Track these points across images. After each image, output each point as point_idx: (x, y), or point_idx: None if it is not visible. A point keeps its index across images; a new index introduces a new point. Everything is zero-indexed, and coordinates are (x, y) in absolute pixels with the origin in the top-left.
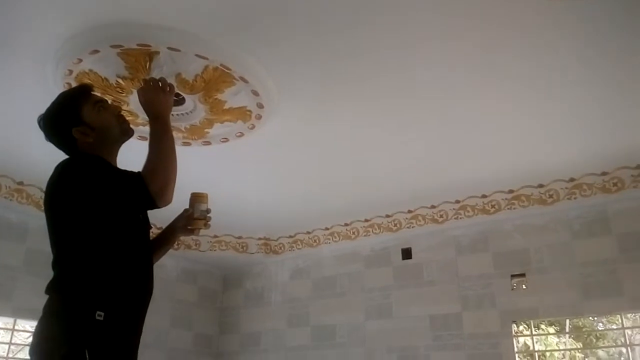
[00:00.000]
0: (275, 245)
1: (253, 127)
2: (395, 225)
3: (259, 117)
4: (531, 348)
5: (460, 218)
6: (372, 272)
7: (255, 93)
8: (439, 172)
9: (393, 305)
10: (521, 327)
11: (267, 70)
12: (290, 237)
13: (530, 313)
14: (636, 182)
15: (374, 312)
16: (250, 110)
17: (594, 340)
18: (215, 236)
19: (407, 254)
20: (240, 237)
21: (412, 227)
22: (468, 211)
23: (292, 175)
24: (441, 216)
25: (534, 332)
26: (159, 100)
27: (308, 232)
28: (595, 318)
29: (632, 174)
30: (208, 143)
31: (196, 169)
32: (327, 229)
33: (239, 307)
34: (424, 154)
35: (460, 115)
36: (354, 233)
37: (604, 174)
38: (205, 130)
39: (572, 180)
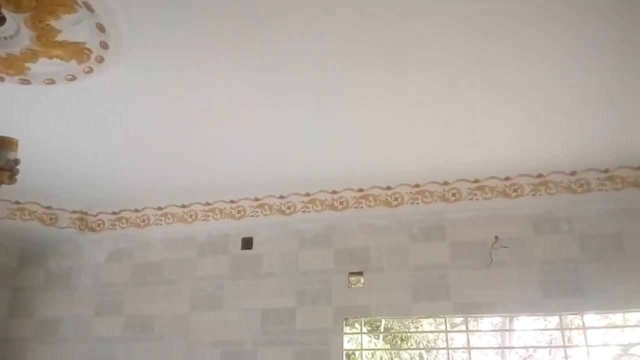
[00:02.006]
0: (93, 222)
1: (90, 70)
2: (238, 212)
3: (100, 59)
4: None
5: (308, 212)
6: (206, 260)
7: (101, 28)
8: (294, 163)
9: (225, 297)
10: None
11: (122, 3)
12: (114, 213)
13: (363, 311)
14: (472, 195)
15: (202, 304)
16: (89, 49)
17: (399, 342)
18: (18, 202)
19: (247, 243)
20: (49, 207)
21: (257, 215)
22: (317, 205)
23: (126, 139)
24: (289, 208)
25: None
26: None
27: (137, 210)
28: (413, 322)
29: (469, 187)
30: (27, 82)
31: (4, 112)
32: (160, 208)
33: (37, 288)
34: (289, 141)
35: (337, 104)
36: (191, 216)
37: (445, 183)
38: (27, 64)
39: (417, 186)
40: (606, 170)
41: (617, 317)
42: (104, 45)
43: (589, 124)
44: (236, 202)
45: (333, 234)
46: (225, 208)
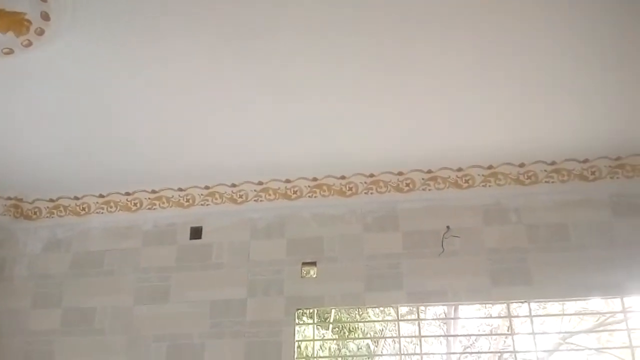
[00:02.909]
0: (29, 209)
1: (29, 44)
2: (187, 200)
3: (40, 32)
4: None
5: (261, 201)
6: (151, 251)
7: None
8: (246, 151)
9: (171, 289)
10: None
11: None
12: (51, 200)
13: (316, 302)
14: (425, 185)
15: (146, 296)
16: (29, 20)
17: (347, 333)
18: None
19: (196, 233)
20: None
21: (207, 204)
22: (270, 194)
23: (65, 120)
24: (241, 196)
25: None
26: None
27: (76, 198)
28: (360, 313)
29: (422, 177)
30: None
31: None
32: (102, 196)
33: None
34: (241, 130)
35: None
36: (135, 204)
37: (399, 173)
38: None
39: (371, 175)
40: (553, 163)
41: (555, 307)
42: (45, 17)
43: (536, 117)
44: (185, 190)
45: (286, 224)
46: (172, 196)
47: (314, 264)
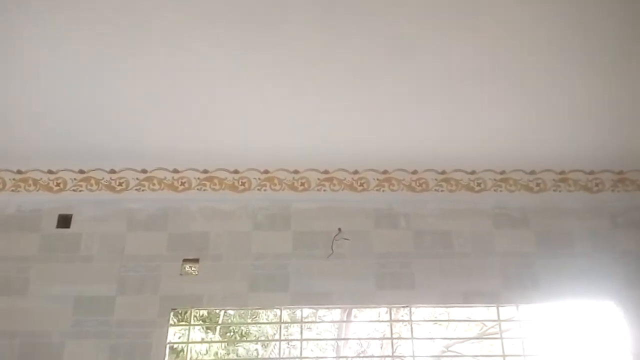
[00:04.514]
0: None
1: None
2: (57, 184)
3: None
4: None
5: (143, 190)
6: (10, 238)
7: None
8: (128, 133)
9: (30, 282)
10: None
11: None
12: None
13: (194, 301)
14: (320, 185)
15: (0, 287)
16: None
17: (238, 337)
18: None
19: (64, 221)
20: None
21: (80, 190)
22: (154, 184)
23: None
24: (120, 184)
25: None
26: None
27: None
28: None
29: (318, 177)
30: None
31: None
32: None
33: None
34: (121, 107)
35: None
36: None
37: (295, 172)
38: None
39: (266, 172)
40: (443, 172)
41: (443, 315)
42: None
43: (428, 126)
44: (55, 172)
45: (169, 217)
46: (41, 178)
47: (196, 260)
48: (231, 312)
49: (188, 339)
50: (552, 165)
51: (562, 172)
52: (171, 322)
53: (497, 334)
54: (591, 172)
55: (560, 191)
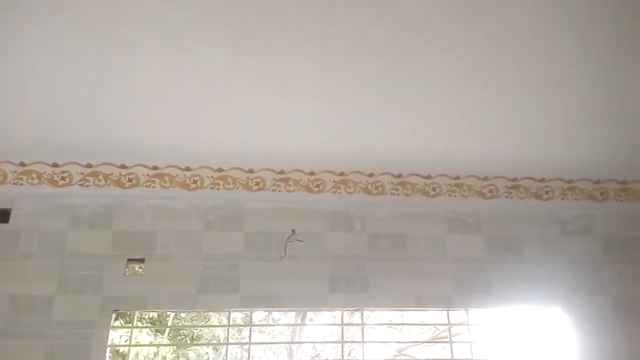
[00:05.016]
0: None
1: None
2: None
3: None
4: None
5: (87, 186)
6: None
7: None
8: (76, 127)
9: None
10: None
11: None
12: None
13: (139, 303)
14: (276, 186)
15: None
16: None
17: (189, 341)
18: None
19: (3, 216)
20: None
21: (20, 184)
22: (99, 180)
23: None
24: (63, 179)
25: (134, 326)
26: None
27: None
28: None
29: (274, 178)
30: None
31: None
32: None
33: None
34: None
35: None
36: None
37: (250, 171)
38: None
39: (219, 170)
40: (400, 176)
41: (399, 319)
42: None
43: (385, 130)
44: None
45: (115, 214)
46: None
47: (142, 260)
48: (183, 314)
49: (131, 341)
50: (504, 172)
51: (514, 179)
52: (115, 324)
53: (448, 337)
54: (542, 180)
55: (511, 198)
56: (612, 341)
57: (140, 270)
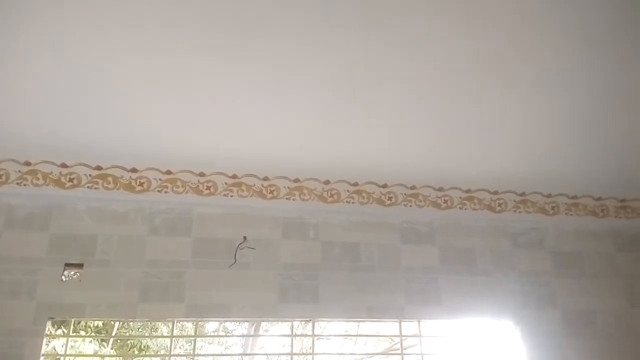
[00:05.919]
0: None
1: None
2: None
3: None
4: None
5: (25, 185)
6: None
7: None
8: (14, 124)
9: None
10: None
11: None
12: None
13: (76, 311)
14: (228, 190)
15: None
16: None
17: (136, 351)
18: None
19: None
20: None
21: None
22: (38, 179)
23: None
24: None
25: (70, 335)
26: None
27: None
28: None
29: (226, 182)
30: None
31: None
32: None
33: None
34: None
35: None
36: None
37: (201, 174)
38: None
39: (168, 172)
40: (356, 184)
41: (354, 330)
42: None
43: (342, 137)
44: None
45: (52, 216)
46: None
47: (80, 266)
48: (132, 323)
49: (66, 351)
50: (459, 184)
51: (468, 191)
52: (49, 331)
53: (407, 348)
54: (495, 192)
55: (465, 209)
56: (562, 355)
57: (78, 276)
